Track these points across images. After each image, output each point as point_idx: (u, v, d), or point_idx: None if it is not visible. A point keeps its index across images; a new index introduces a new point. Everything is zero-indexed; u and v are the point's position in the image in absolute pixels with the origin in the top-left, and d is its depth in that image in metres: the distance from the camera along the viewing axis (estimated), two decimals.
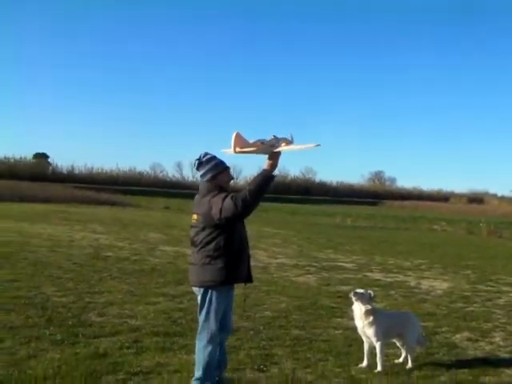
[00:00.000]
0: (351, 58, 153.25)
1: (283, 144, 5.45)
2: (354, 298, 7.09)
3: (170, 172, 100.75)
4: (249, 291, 6.13)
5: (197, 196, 5.78)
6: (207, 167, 5.72)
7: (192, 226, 5.77)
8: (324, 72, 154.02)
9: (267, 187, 5.40)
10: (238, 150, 5.53)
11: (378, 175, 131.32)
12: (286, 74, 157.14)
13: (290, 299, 11.01)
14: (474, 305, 11.46)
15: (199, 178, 5.87)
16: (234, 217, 5.40)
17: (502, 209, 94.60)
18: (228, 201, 5.36)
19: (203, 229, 5.60)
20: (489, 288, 13.71)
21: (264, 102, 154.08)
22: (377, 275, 14.95)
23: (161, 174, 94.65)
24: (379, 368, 6.87)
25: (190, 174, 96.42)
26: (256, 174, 5.44)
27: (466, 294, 12.71)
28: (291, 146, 5.44)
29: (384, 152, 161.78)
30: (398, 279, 14.42)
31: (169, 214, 36.93)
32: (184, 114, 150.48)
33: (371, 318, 6.97)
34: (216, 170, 5.70)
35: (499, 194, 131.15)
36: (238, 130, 5.54)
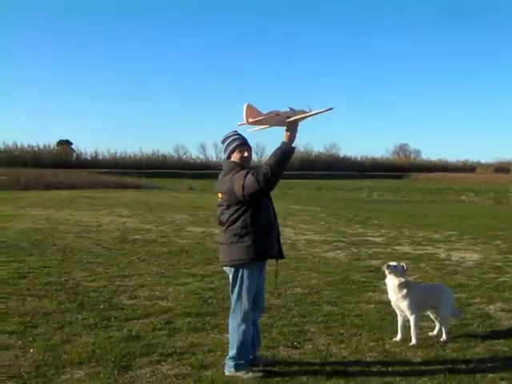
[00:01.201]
0: (372, 30, 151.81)
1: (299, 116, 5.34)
2: (387, 271, 7.02)
3: (194, 153, 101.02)
4: (279, 268, 6.12)
5: (220, 174, 5.76)
6: (225, 145, 5.76)
7: (218, 205, 5.76)
8: (346, 44, 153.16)
9: (288, 160, 5.34)
10: (250, 120, 5.44)
11: (403, 148, 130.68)
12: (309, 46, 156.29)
13: (320, 275, 10.99)
14: (506, 275, 11.33)
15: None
16: (256, 193, 5.37)
17: None
18: (250, 177, 5.33)
19: (228, 207, 5.59)
20: None
21: (286, 79, 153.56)
22: (406, 248, 14.87)
23: (184, 156, 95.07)
24: (413, 341, 6.82)
25: (214, 155, 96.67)
26: (276, 148, 5.36)
27: (498, 264, 12.59)
28: (304, 114, 5.30)
29: (408, 124, 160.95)
30: (427, 251, 14.31)
31: (194, 195, 37.03)
32: (206, 95, 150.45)
33: (405, 291, 6.92)
34: (230, 147, 5.71)
35: None
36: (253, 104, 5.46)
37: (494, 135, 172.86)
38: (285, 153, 5.29)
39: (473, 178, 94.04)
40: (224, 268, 5.87)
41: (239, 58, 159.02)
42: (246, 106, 5.44)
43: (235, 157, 5.69)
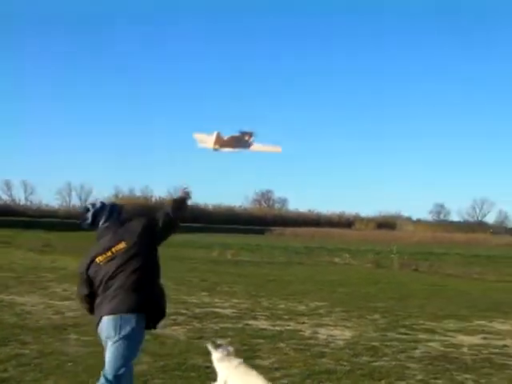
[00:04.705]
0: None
1: (250, 140, 8.56)
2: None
3: None
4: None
5: (108, 230, 7.07)
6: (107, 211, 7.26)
7: (120, 254, 6.86)
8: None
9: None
10: (216, 146, 8.41)
11: (266, 196, 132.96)
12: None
13: (151, 358, 10.85)
14: (384, 358, 11.68)
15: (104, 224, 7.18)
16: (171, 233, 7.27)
17: (418, 235, 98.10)
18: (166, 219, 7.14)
19: (137, 254, 6.89)
20: (402, 336, 14.06)
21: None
22: (263, 323, 15.01)
23: None
24: None
25: (23, 196, 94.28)
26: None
27: (374, 344, 12.97)
28: (259, 147, 8.48)
29: (272, 168, 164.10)
30: (289, 328, 14.53)
31: None
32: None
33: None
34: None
35: (414, 218, 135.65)
36: None
37: (376, 184, 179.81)
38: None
39: (350, 234, 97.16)
40: (129, 315, 6.74)
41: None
42: (216, 134, 8.45)
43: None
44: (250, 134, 8.54)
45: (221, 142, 8.48)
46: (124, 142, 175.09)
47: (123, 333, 6.67)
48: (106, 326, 6.75)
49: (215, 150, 8.49)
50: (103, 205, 7.31)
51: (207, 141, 8.52)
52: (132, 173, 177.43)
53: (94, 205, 7.28)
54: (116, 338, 6.66)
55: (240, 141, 8.60)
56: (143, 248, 6.94)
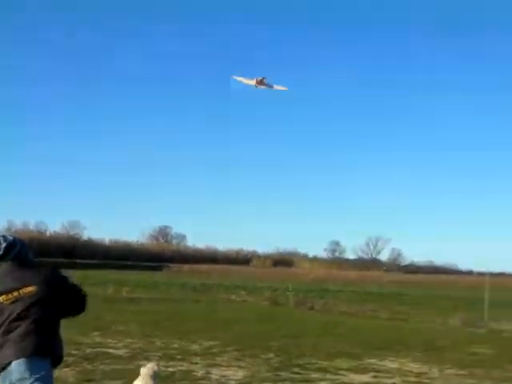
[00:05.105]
0: None
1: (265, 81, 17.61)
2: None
3: None
4: None
5: (15, 269, 6.61)
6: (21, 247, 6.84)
7: (20, 300, 6.42)
8: None
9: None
10: (257, 85, 13.06)
11: (163, 231, 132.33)
12: None
13: None
14: None
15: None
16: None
17: (315, 272, 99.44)
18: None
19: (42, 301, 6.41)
20: (295, 375, 14.08)
21: None
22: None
23: None
24: None
25: None
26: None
27: None
28: (277, 87, 13.51)
29: (170, 204, 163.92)
30: (181, 368, 14.38)
31: None
32: None
33: None
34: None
35: (310, 255, 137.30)
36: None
37: (274, 220, 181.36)
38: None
39: (248, 271, 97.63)
40: (39, 357, 6.21)
41: None
42: (256, 77, 21.39)
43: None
44: (265, 78, 12.65)
45: (259, 82, 12.35)
46: (19, 173, 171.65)
47: (37, 375, 6.19)
48: (18, 369, 6.25)
49: (256, 87, 11.83)
50: (15, 240, 6.95)
51: (249, 81, 11.57)
52: (26, 207, 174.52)
53: (5, 237, 6.88)
54: (31, 379, 6.17)
55: (265, 82, 11.74)
56: (51, 297, 6.59)
